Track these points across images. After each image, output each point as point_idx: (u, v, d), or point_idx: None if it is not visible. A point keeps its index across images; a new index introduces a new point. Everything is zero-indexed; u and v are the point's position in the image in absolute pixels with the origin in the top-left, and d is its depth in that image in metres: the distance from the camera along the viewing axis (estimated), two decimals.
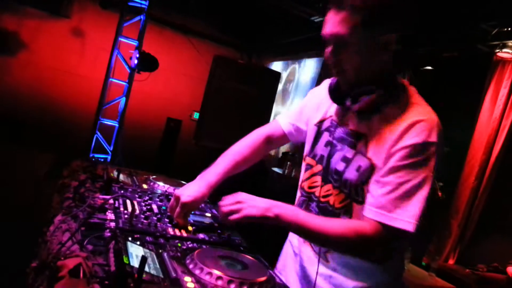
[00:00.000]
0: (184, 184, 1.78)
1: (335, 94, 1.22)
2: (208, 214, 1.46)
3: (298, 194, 1.35)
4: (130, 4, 4.65)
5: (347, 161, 1.17)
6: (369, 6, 1.06)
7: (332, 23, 1.11)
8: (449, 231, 5.14)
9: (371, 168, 1.12)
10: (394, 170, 1.07)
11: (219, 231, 1.29)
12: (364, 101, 1.12)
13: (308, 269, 1.26)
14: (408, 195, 1.05)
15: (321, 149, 1.27)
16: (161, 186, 1.69)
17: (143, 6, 4.69)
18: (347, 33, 1.08)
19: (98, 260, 0.99)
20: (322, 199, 1.22)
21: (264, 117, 3.06)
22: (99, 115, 4.64)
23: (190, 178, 1.56)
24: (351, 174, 1.15)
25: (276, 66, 6.54)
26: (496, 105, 4.80)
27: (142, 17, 4.69)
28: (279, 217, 1.09)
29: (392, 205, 1.05)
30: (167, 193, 1.61)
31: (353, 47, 1.10)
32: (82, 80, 6.19)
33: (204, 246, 1.13)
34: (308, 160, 1.31)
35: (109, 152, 4.70)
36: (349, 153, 1.17)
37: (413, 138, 1.06)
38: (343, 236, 1.07)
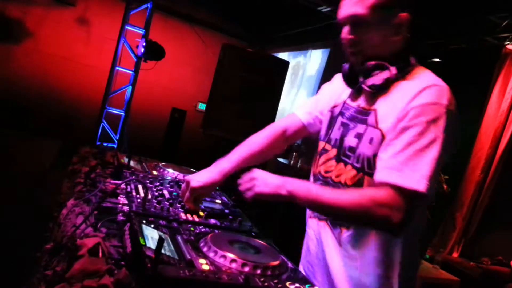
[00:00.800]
0: (193, 172, 1.79)
1: (348, 76, 1.25)
2: (218, 201, 1.47)
3: (312, 179, 1.34)
4: None
5: (359, 136, 1.18)
6: None
7: (350, 4, 1.16)
8: (453, 224, 5.14)
9: (383, 138, 1.12)
10: (403, 130, 1.06)
11: (230, 217, 1.29)
12: (377, 76, 1.15)
13: (328, 256, 1.25)
14: (418, 155, 1.03)
15: (335, 133, 1.28)
16: (171, 173, 1.70)
17: None
18: (366, 13, 1.13)
19: (112, 242, 1.00)
20: (335, 179, 1.22)
21: (272, 107, 3.04)
22: (106, 103, 4.64)
23: (195, 168, 1.56)
24: (364, 147, 1.15)
25: (282, 57, 6.51)
26: (504, 98, 4.76)
27: (149, 5, 4.67)
28: (292, 193, 1.10)
29: (402, 165, 1.03)
30: (177, 179, 1.62)
31: (370, 26, 1.14)
32: (87, 68, 6.19)
33: (216, 231, 1.14)
34: (324, 145, 1.32)
35: (115, 141, 4.72)
36: (361, 129, 1.18)
37: (422, 99, 1.06)
38: (359, 205, 1.05)
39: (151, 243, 0.89)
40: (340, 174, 1.20)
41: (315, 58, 5.89)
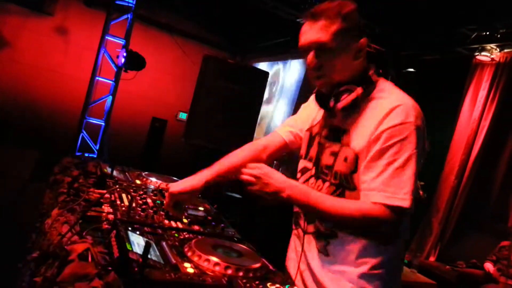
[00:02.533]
0: (175, 180, 1.84)
1: (320, 98, 1.32)
2: (201, 208, 1.51)
3: None
4: (117, 2, 4.64)
5: (335, 154, 1.26)
6: (344, 14, 1.21)
7: (312, 32, 1.23)
8: (430, 229, 5.28)
9: (356, 157, 1.21)
10: (379, 153, 1.15)
11: (213, 223, 1.34)
12: (345, 99, 1.22)
13: (311, 263, 1.31)
14: (398, 174, 1.13)
15: (313, 152, 1.36)
16: (154, 182, 1.73)
17: (130, 5, 4.69)
18: (329, 39, 1.21)
19: (98, 249, 1.03)
20: None
21: (252, 116, 3.11)
22: (85, 113, 4.62)
23: (177, 176, 1.60)
24: (340, 165, 1.23)
25: (261, 67, 6.61)
26: (475, 107, 4.95)
27: (129, 15, 4.69)
28: (291, 197, 1.16)
29: (385, 185, 1.13)
30: (160, 188, 1.65)
31: (332, 52, 1.22)
32: (66, 78, 6.14)
33: (199, 237, 1.18)
34: (304, 163, 1.39)
35: (95, 151, 4.69)
36: (336, 147, 1.27)
37: (391, 121, 1.16)
38: (351, 217, 1.15)
39: (137, 248, 0.93)
40: (320, 191, 1.27)
41: (294, 68, 6.00)
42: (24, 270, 1.30)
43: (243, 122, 2.99)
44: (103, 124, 4.68)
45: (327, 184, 1.26)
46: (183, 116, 7.03)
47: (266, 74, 3.16)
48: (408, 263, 4.84)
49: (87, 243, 0.91)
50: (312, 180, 1.33)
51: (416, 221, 5.32)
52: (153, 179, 1.75)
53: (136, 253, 0.87)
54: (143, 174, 1.80)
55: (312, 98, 1.43)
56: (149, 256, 0.93)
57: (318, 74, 1.26)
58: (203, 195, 1.55)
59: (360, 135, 1.21)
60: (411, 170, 1.13)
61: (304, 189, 1.21)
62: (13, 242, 1.97)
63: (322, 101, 1.31)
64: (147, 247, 0.83)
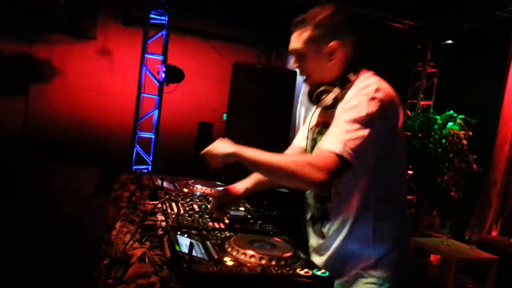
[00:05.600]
0: (220, 185, 2.03)
1: (309, 98, 1.49)
2: (242, 208, 1.68)
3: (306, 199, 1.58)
4: (151, 21, 4.94)
5: None
6: (316, 22, 1.37)
7: (292, 41, 1.43)
8: (488, 203, 5.12)
9: None
10: (342, 111, 1.30)
11: (251, 221, 1.51)
12: (325, 99, 1.39)
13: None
14: (348, 131, 1.24)
15: (311, 146, 1.54)
16: (200, 189, 1.93)
17: (163, 22, 4.97)
18: (301, 47, 1.39)
19: (155, 252, 1.23)
20: None
21: (286, 115, 3.25)
22: (136, 129, 4.97)
23: (227, 178, 1.80)
24: None
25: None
26: None
27: (164, 32, 4.97)
28: (237, 153, 1.34)
29: (333, 138, 1.25)
30: (205, 194, 1.85)
31: (306, 57, 1.40)
32: (114, 96, 6.54)
33: (239, 234, 1.35)
34: None
35: (149, 163, 5.03)
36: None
37: (355, 89, 1.32)
38: (288, 164, 1.27)
39: (185, 248, 1.11)
40: None
41: None
42: (99, 276, 1.53)
43: (277, 122, 3.14)
44: (153, 137, 5.01)
45: None
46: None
47: (294, 73, 3.28)
48: (468, 240, 4.75)
49: (144, 248, 1.11)
50: None
51: (473, 196, 5.20)
52: (199, 186, 1.95)
53: (184, 252, 1.05)
54: (190, 182, 2.00)
55: (298, 109, 1.68)
56: (194, 254, 1.11)
57: (303, 76, 1.46)
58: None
59: None
60: (362, 133, 1.23)
61: (253, 149, 1.35)
62: (87, 253, 2.26)
63: (310, 101, 1.48)
64: (191, 246, 1.01)
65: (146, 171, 4.94)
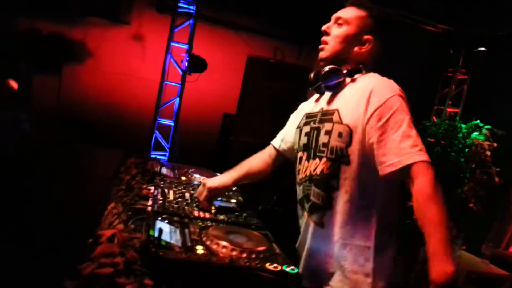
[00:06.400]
0: (218, 176, 2.06)
1: (313, 82, 1.56)
2: (233, 200, 1.71)
3: (297, 188, 1.59)
4: (180, 10, 5.01)
5: (329, 133, 1.44)
6: (368, 10, 1.51)
7: (343, 10, 1.53)
8: (508, 218, 4.97)
9: (350, 131, 1.38)
10: (381, 129, 1.32)
11: (237, 213, 1.54)
12: (331, 79, 1.47)
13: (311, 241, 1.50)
14: (405, 136, 1.29)
15: (302, 140, 1.57)
16: (197, 178, 1.97)
17: (191, 11, 5.03)
18: (348, 17, 1.50)
19: (136, 235, 1.28)
20: (313, 173, 1.47)
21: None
22: (157, 115, 5.08)
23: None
24: (334, 141, 1.41)
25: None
26: None
27: (191, 21, 5.04)
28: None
29: (402, 149, 1.28)
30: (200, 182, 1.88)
31: (344, 29, 1.49)
32: (144, 82, 6.67)
33: (220, 225, 1.38)
34: (298, 154, 1.60)
35: (167, 150, 5.13)
36: (329, 126, 1.45)
37: (376, 102, 1.35)
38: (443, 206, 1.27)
39: (162, 234, 1.15)
40: (316, 167, 1.45)
41: None
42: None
43: (288, 117, 3.13)
44: (172, 124, 5.10)
45: (323, 160, 1.43)
46: None
47: (308, 70, 3.26)
48: (482, 254, 4.62)
49: (115, 229, 1.15)
50: (305, 163, 1.52)
51: (493, 209, 5.04)
52: (197, 175, 1.99)
53: (155, 237, 1.09)
54: (189, 171, 2.05)
55: (302, 105, 1.76)
56: (169, 240, 1.15)
57: (323, 39, 1.52)
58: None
59: (350, 112, 1.40)
60: (414, 131, 1.30)
61: (441, 242, 1.21)
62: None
63: (313, 83, 1.56)
64: (160, 231, 1.05)
65: (154, 157, 5.05)
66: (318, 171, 1.44)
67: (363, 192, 1.39)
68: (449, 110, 6.23)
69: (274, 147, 1.78)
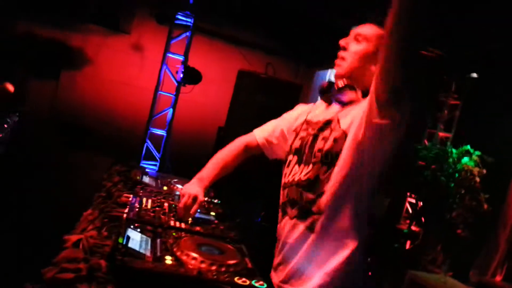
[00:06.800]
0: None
1: (324, 91, 1.57)
2: (212, 213, 1.70)
3: (281, 191, 1.57)
4: (177, 22, 5.06)
5: (325, 139, 1.44)
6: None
7: (365, 26, 1.51)
8: (496, 245, 4.95)
9: (345, 136, 1.39)
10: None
11: (213, 225, 1.52)
12: (345, 94, 1.47)
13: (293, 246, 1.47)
14: None
15: (295, 144, 1.56)
16: (179, 188, 1.96)
17: (189, 23, 5.08)
18: (369, 34, 1.48)
19: (107, 242, 1.26)
20: (303, 178, 1.46)
21: None
22: (149, 125, 5.08)
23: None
24: (329, 146, 1.42)
25: (327, 75, 6.65)
26: None
27: (188, 33, 5.08)
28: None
29: None
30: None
31: (363, 45, 1.48)
32: (140, 91, 6.67)
33: (194, 236, 1.36)
34: (289, 157, 1.58)
35: (158, 159, 5.12)
36: (326, 133, 1.46)
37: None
38: None
39: (131, 242, 1.14)
40: (308, 172, 1.44)
41: None
42: None
43: None
44: (165, 134, 5.10)
45: (317, 165, 1.43)
46: None
47: (299, 87, 3.29)
48: (466, 280, 4.59)
49: (83, 235, 1.14)
50: (296, 167, 1.52)
51: (481, 236, 5.02)
52: (179, 186, 1.98)
53: (123, 244, 1.08)
54: (172, 181, 2.04)
55: (299, 106, 1.76)
56: (139, 249, 1.14)
57: (340, 54, 1.51)
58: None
59: (348, 119, 1.42)
60: None
61: None
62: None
63: (324, 93, 1.57)
64: (127, 239, 1.03)
65: (153, 167, 5.03)
66: (310, 175, 1.43)
67: (353, 197, 1.39)
68: (441, 134, 6.27)
69: (256, 139, 1.77)
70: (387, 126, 1.26)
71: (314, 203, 1.41)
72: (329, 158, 1.40)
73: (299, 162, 1.50)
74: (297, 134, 1.59)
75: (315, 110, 1.63)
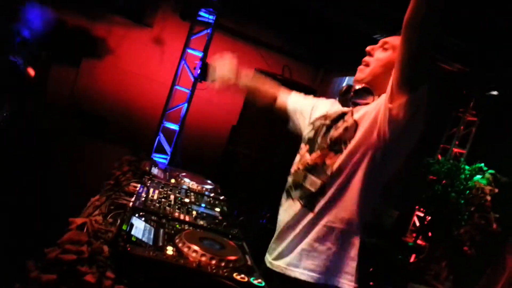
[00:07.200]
0: (209, 183, 2.08)
1: (344, 93, 1.62)
2: (217, 209, 1.71)
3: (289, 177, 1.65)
4: (199, 19, 5.10)
5: (337, 127, 1.52)
6: None
7: (393, 37, 1.54)
8: (503, 267, 4.88)
9: (356, 125, 1.46)
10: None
11: (216, 220, 1.54)
12: (362, 98, 1.53)
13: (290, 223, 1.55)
14: None
15: (309, 134, 1.65)
16: (187, 182, 1.98)
17: (210, 21, 5.12)
18: (394, 43, 1.49)
19: (111, 228, 1.28)
20: (310, 162, 1.54)
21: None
22: (163, 118, 5.13)
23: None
24: (340, 133, 1.49)
25: (346, 81, 6.63)
26: None
27: (209, 31, 5.12)
28: None
29: None
30: (189, 188, 1.89)
31: (387, 54, 1.53)
32: (158, 85, 6.73)
33: (197, 230, 1.38)
34: (302, 145, 1.67)
35: (168, 153, 5.16)
36: (340, 124, 1.53)
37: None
38: None
39: (134, 230, 1.16)
40: (317, 157, 1.53)
41: None
42: None
43: (287, 136, 3.14)
44: (177, 129, 5.14)
45: (325, 151, 1.51)
46: None
47: (313, 91, 3.28)
48: None
49: (88, 219, 1.16)
50: (306, 155, 1.59)
51: (487, 255, 4.95)
52: (187, 180, 2.00)
53: (126, 231, 1.10)
54: (180, 175, 2.06)
55: (322, 99, 1.84)
56: (141, 237, 1.16)
57: (365, 60, 1.57)
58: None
59: (361, 112, 1.49)
60: None
61: None
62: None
63: (343, 95, 1.62)
64: (131, 227, 1.05)
65: (163, 161, 5.07)
66: (317, 160, 1.51)
67: (356, 180, 1.45)
68: (455, 150, 6.19)
69: (281, 98, 1.92)
70: (403, 114, 1.33)
71: (317, 185, 1.48)
72: (337, 145, 1.46)
73: (310, 151, 1.57)
74: (313, 125, 1.66)
75: (333, 106, 1.71)
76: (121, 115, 6.46)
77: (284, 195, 1.64)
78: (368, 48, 1.58)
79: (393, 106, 1.34)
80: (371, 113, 1.44)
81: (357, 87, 1.54)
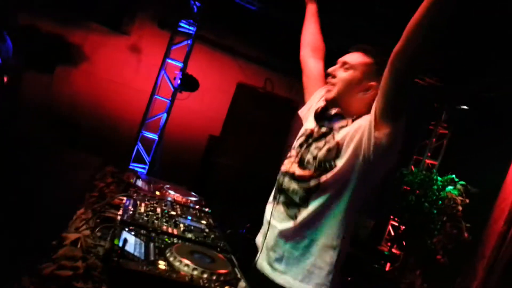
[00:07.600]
0: (194, 195, 2.09)
1: (319, 114, 1.68)
2: (203, 222, 1.73)
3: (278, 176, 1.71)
4: (180, 29, 5.12)
5: (319, 148, 1.57)
6: (375, 57, 1.58)
7: (350, 54, 1.63)
8: (474, 275, 5.03)
9: (337, 146, 1.51)
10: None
11: (204, 233, 1.55)
12: (337, 122, 1.59)
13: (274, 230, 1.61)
14: None
15: (300, 140, 1.70)
16: (172, 194, 1.99)
17: (191, 31, 5.14)
18: (354, 63, 1.58)
19: (101, 243, 1.28)
20: (297, 174, 1.59)
21: (280, 141, 3.33)
22: (142, 127, 5.09)
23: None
24: (322, 154, 1.54)
25: (321, 91, 6.74)
26: None
27: (189, 41, 5.14)
28: None
29: None
30: (174, 200, 1.90)
31: (349, 74, 1.58)
32: (134, 93, 6.66)
33: (186, 243, 1.39)
34: (291, 151, 1.72)
35: (147, 163, 5.12)
36: (321, 143, 1.58)
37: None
38: None
39: (127, 245, 1.17)
40: (304, 172, 1.58)
41: None
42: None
43: (270, 147, 3.21)
44: (156, 138, 5.12)
45: (311, 170, 1.56)
46: None
47: (296, 104, 3.37)
48: None
49: (80, 234, 1.16)
50: (295, 160, 1.65)
51: (459, 263, 5.11)
52: (171, 192, 2.00)
53: (119, 246, 1.11)
54: (165, 186, 2.06)
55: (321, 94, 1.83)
56: (133, 252, 1.16)
57: (330, 81, 1.63)
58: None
59: (342, 132, 1.54)
60: None
61: None
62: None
63: (319, 118, 1.67)
64: (124, 242, 1.06)
65: (141, 170, 5.02)
66: (304, 175, 1.56)
67: (340, 198, 1.51)
68: (427, 161, 6.40)
69: (310, 59, 2.00)
70: (388, 141, 1.41)
71: (301, 197, 1.54)
72: (323, 165, 1.52)
73: (299, 163, 1.62)
74: (305, 131, 1.72)
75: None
76: (96, 123, 6.35)
77: (273, 192, 1.71)
78: (329, 70, 1.65)
79: (379, 135, 1.41)
80: (354, 136, 1.49)
81: (332, 112, 1.63)
